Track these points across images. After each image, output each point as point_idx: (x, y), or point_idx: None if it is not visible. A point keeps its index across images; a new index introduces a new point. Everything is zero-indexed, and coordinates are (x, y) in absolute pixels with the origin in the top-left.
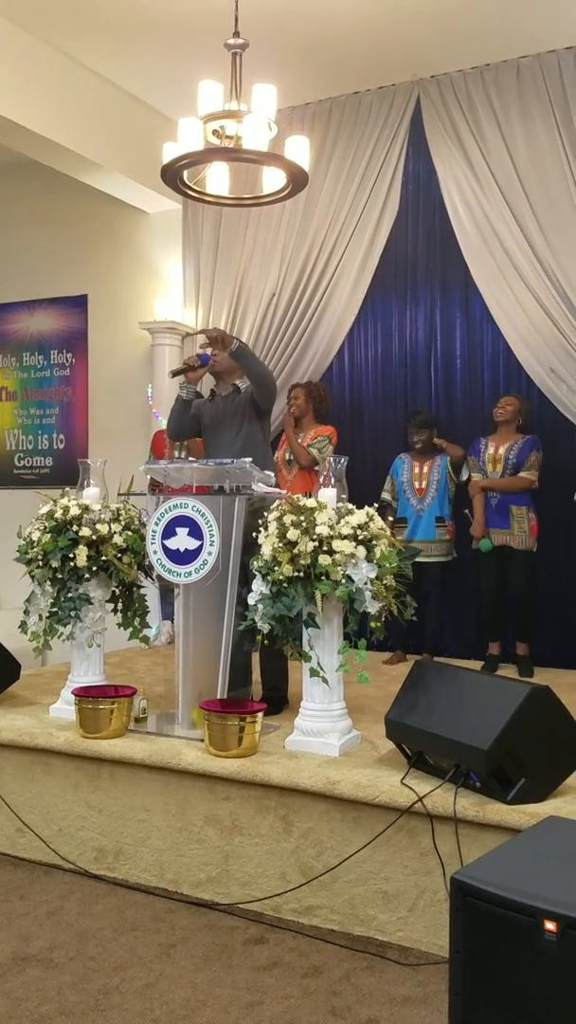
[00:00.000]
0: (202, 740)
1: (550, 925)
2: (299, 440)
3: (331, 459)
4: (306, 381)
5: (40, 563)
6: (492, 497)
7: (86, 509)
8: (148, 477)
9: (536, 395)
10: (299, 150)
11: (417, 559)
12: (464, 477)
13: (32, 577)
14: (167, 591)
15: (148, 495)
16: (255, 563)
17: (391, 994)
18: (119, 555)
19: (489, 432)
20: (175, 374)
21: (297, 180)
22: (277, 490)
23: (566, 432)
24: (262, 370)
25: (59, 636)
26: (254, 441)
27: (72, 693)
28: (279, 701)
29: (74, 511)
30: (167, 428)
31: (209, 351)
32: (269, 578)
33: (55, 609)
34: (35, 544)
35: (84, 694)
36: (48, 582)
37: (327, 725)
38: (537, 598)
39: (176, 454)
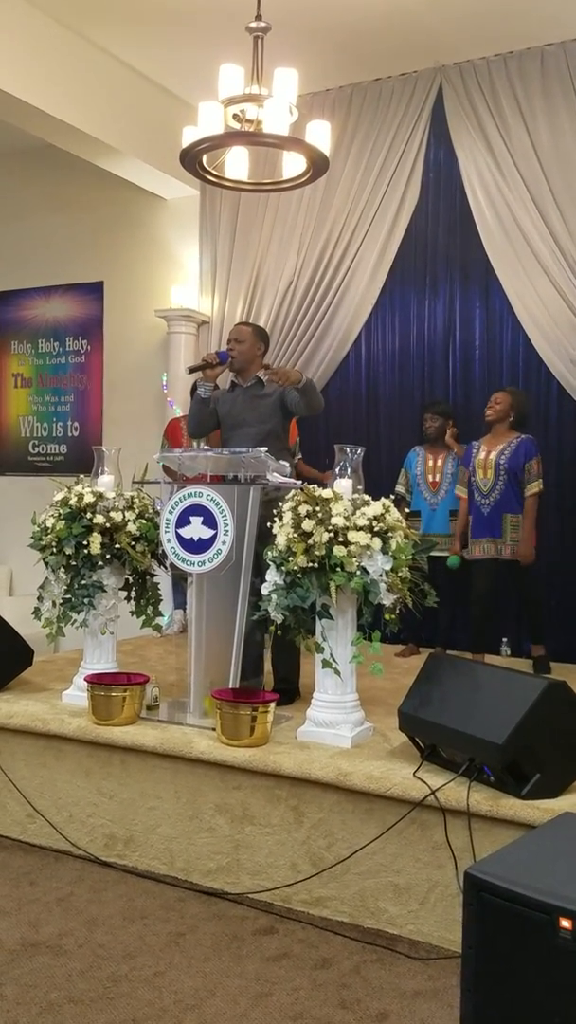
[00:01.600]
0: (214, 729)
1: (565, 923)
2: None
3: (347, 448)
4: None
5: (54, 550)
6: (483, 506)
7: (100, 497)
8: (161, 465)
9: (556, 388)
10: (320, 135)
11: (431, 553)
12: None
13: (46, 564)
14: (179, 579)
15: (162, 483)
16: (269, 553)
17: (401, 988)
18: (133, 543)
19: (483, 433)
20: (192, 370)
21: (317, 165)
22: (292, 480)
23: None
24: (318, 403)
25: (72, 623)
26: (275, 434)
27: (85, 680)
28: (291, 693)
29: (88, 498)
30: (188, 427)
31: (228, 348)
32: (283, 568)
33: (68, 596)
34: (49, 531)
35: (97, 681)
36: (62, 569)
37: (339, 716)
38: (550, 596)
39: (194, 444)
